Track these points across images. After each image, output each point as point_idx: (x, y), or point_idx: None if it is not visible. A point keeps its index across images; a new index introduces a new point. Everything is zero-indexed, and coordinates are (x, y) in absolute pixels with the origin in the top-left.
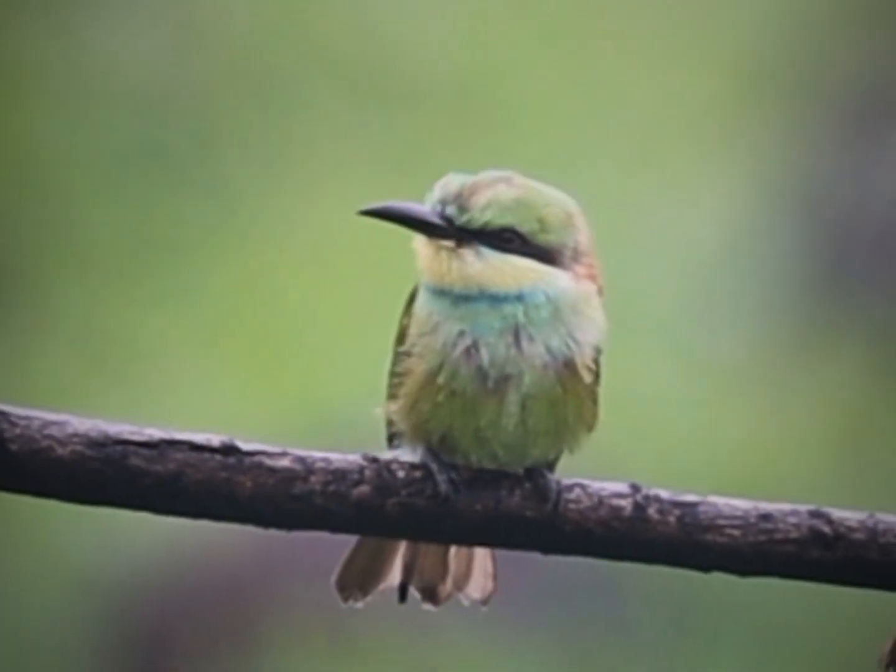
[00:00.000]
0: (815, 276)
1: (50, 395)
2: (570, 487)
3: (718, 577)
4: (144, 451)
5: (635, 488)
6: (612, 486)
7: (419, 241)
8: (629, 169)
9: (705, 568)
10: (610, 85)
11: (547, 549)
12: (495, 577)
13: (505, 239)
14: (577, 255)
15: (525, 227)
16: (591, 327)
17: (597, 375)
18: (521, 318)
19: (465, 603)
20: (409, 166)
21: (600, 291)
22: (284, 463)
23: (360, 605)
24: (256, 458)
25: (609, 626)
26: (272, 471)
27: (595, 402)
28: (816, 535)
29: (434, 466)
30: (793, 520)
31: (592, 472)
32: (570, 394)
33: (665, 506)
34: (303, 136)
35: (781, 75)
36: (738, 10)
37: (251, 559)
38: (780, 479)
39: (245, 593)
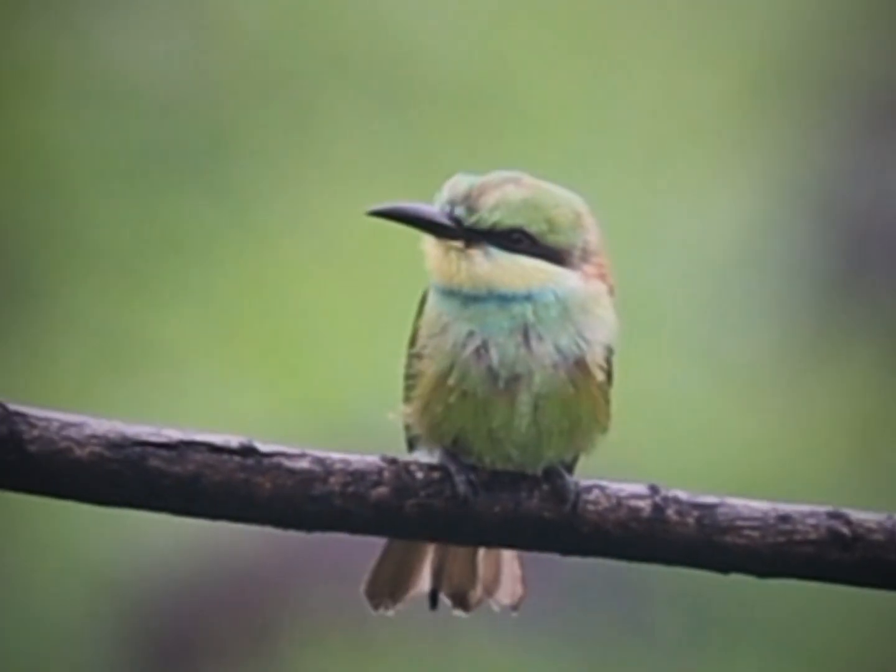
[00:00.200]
0: (829, 276)
1: (64, 397)
2: (589, 489)
3: (737, 579)
4: (163, 453)
5: (654, 490)
6: (630, 488)
7: (428, 242)
8: (643, 169)
9: (724, 569)
10: (623, 86)
11: (566, 551)
12: (524, 580)
13: (514, 239)
14: (586, 255)
15: (534, 228)
16: (601, 326)
17: (609, 375)
18: (530, 317)
19: (496, 608)
20: (420, 167)
21: (611, 291)
22: (303, 464)
23: (390, 613)
24: (275, 460)
25: (628, 628)
26: (291, 472)
27: (608, 402)
28: (835, 536)
29: (453, 468)
30: (811, 521)
31: (607, 472)
32: (583, 393)
33: (684, 507)
34: (314, 137)
35: (797, 76)
36: (754, 11)
37: (270, 560)
38: (795, 479)
39: (264, 594)
